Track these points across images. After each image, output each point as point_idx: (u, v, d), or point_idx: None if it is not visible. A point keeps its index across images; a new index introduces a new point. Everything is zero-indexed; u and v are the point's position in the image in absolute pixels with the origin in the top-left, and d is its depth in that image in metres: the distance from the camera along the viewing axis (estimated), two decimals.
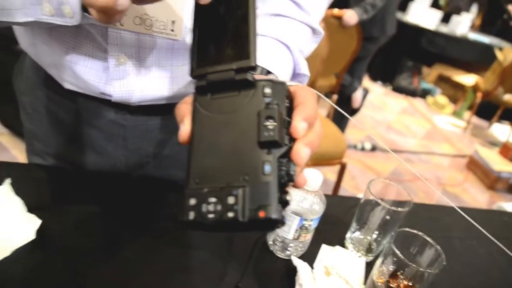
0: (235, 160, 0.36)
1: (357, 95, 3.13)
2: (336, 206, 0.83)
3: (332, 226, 0.79)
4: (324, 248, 0.70)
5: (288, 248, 0.69)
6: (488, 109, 4.74)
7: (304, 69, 0.59)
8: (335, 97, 2.91)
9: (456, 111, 4.98)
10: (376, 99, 4.76)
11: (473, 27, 5.63)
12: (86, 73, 0.60)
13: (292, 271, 0.65)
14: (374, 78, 5.31)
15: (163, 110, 0.68)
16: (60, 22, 0.45)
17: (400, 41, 4.38)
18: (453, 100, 5.16)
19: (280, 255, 0.70)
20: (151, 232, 0.67)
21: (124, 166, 0.74)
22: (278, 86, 0.38)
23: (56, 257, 0.59)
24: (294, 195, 0.62)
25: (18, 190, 0.62)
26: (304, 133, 0.37)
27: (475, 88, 4.61)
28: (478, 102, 4.48)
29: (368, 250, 0.75)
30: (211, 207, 0.34)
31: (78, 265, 0.58)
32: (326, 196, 0.70)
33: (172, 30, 0.56)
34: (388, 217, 0.71)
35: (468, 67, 5.27)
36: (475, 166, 3.57)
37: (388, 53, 4.80)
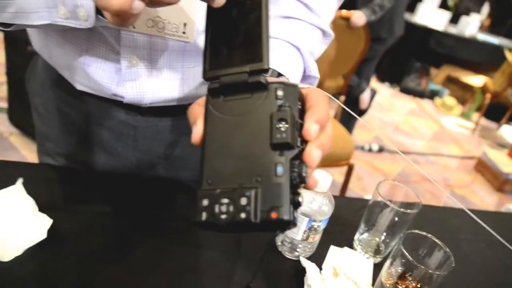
0: (247, 162, 0.36)
1: (365, 96, 3.12)
2: (344, 207, 0.84)
3: (341, 227, 0.79)
4: (333, 249, 0.70)
5: (297, 249, 0.70)
6: (497, 111, 4.70)
7: (314, 71, 0.59)
8: (342, 98, 2.91)
9: (465, 112, 4.95)
10: (384, 100, 4.74)
11: (482, 28, 5.59)
12: (98, 75, 0.61)
13: (300, 271, 0.66)
14: (381, 79, 5.30)
15: (174, 111, 0.69)
16: (74, 25, 0.46)
17: (408, 42, 4.37)
18: (462, 101, 5.13)
19: (289, 255, 0.70)
20: (161, 232, 0.68)
21: (135, 167, 0.75)
22: (291, 88, 0.38)
23: (67, 256, 0.59)
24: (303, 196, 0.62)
25: (30, 190, 0.62)
26: (316, 135, 0.37)
27: (483, 89, 4.58)
28: (487, 103, 4.45)
29: (376, 251, 0.75)
30: (223, 208, 0.35)
31: (89, 265, 0.59)
32: (335, 197, 0.70)
33: (184, 33, 0.57)
34: (396, 219, 0.71)
35: (476, 68, 5.24)
36: (484, 168, 3.54)
37: (396, 54, 4.79)
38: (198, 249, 0.67)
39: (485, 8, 5.59)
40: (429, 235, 0.64)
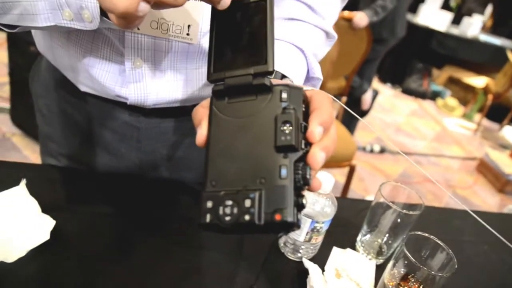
0: (251, 164, 0.36)
1: (367, 97, 3.12)
2: (347, 208, 0.84)
3: (343, 229, 0.79)
4: (335, 251, 0.70)
5: (299, 250, 0.70)
6: (499, 112, 4.69)
7: (318, 73, 0.60)
8: (344, 99, 2.91)
9: (466, 113, 4.94)
10: (386, 101, 4.74)
11: (484, 29, 5.58)
12: (102, 76, 0.61)
13: (303, 273, 0.66)
14: (383, 80, 5.29)
15: (177, 113, 0.69)
16: (79, 27, 0.46)
17: (410, 42, 4.37)
18: (464, 102, 5.13)
19: (291, 257, 0.70)
20: (164, 233, 0.68)
21: (138, 168, 0.75)
22: (295, 91, 0.38)
23: (70, 257, 0.59)
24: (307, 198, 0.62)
25: (33, 191, 0.63)
26: (320, 138, 0.37)
27: (485, 90, 4.57)
28: (489, 104, 4.44)
29: (379, 253, 0.75)
30: (227, 210, 0.35)
31: (92, 266, 0.59)
32: (337, 198, 0.70)
33: (188, 34, 0.57)
34: (399, 220, 0.71)
35: (478, 69, 5.23)
36: (486, 169, 3.54)
37: (398, 55, 4.79)
38: (201, 250, 0.67)
39: (488, 9, 5.59)
40: (431, 236, 0.64)
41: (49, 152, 0.81)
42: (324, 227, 0.68)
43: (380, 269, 0.69)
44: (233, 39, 0.42)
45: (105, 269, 0.59)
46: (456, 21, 5.22)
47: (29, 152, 2.22)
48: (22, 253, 0.55)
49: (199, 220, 0.36)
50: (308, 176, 0.36)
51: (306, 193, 0.37)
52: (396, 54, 4.37)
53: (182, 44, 0.59)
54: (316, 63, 0.60)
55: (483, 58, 5.07)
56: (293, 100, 0.38)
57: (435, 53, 4.96)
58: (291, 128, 0.36)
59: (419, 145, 3.89)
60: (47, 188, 0.70)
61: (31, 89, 0.79)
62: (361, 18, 2.54)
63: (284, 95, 0.38)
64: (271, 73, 0.38)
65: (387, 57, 3.48)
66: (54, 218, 0.60)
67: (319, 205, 0.68)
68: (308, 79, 0.60)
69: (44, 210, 0.61)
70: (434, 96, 5.20)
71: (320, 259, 0.68)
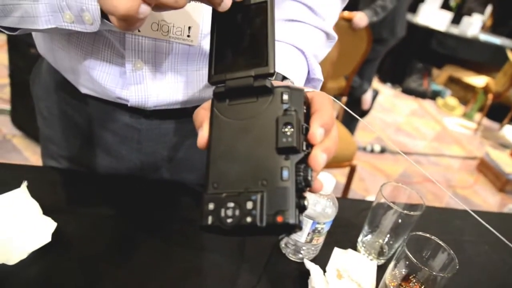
0: (253, 166, 0.36)
1: (367, 97, 3.12)
2: (348, 209, 0.84)
3: (344, 229, 0.79)
4: (336, 251, 0.70)
5: (301, 251, 0.70)
6: (499, 111, 4.69)
7: (318, 74, 0.60)
8: (344, 99, 2.91)
9: (467, 112, 4.94)
10: (386, 101, 4.74)
11: (484, 28, 5.58)
12: (103, 78, 0.61)
13: (304, 274, 0.66)
14: (383, 80, 5.29)
15: (178, 114, 0.69)
16: (79, 29, 0.46)
17: (410, 42, 4.37)
18: (464, 101, 5.12)
19: (292, 258, 0.70)
20: (165, 234, 0.68)
21: (139, 169, 0.75)
22: (296, 92, 0.38)
23: (71, 259, 0.59)
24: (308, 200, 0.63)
25: (34, 193, 0.63)
26: (321, 139, 0.37)
27: (486, 90, 4.57)
28: (489, 103, 4.44)
29: (380, 253, 0.75)
30: (229, 212, 0.35)
31: (93, 268, 0.59)
32: (338, 199, 0.70)
33: (188, 36, 0.57)
34: (400, 221, 0.71)
35: (478, 69, 5.23)
36: (486, 168, 3.54)
37: (398, 55, 4.79)
38: (202, 251, 0.67)
39: (488, 9, 5.59)
40: (432, 237, 0.64)
41: (50, 154, 0.81)
42: (325, 228, 0.68)
43: (381, 269, 0.69)
44: (234, 41, 0.42)
45: (106, 270, 0.59)
46: (456, 20, 5.22)
47: (29, 154, 2.22)
48: (23, 255, 0.55)
49: (201, 222, 0.36)
50: (309, 178, 0.36)
51: (307, 194, 0.37)
52: (396, 54, 4.37)
53: (183, 46, 0.59)
54: (316, 64, 0.60)
55: (483, 58, 5.06)
56: (294, 102, 0.38)
57: (435, 52, 4.96)
58: (292, 129, 0.36)
59: (420, 144, 3.89)
60: (48, 190, 0.70)
61: (32, 91, 0.79)
62: (361, 18, 2.54)
63: (285, 97, 0.38)
64: (272, 75, 0.38)
65: (387, 57, 3.49)
66: (55, 220, 0.60)
67: (320, 206, 0.68)
68: (309, 80, 0.60)
69: (45, 212, 0.61)
70: (434, 95, 5.20)
71: (322, 259, 0.69)
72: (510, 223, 1.02)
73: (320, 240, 0.70)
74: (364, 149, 3.38)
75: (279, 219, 0.34)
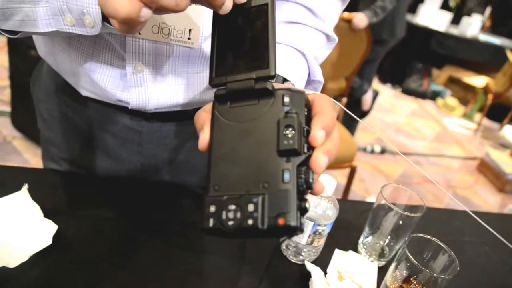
0: (254, 168, 0.36)
1: (367, 97, 3.12)
2: (348, 210, 0.84)
3: (345, 231, 0.79)
4: (337, 253, 0.70)
5: (302, 253, 0.70)
6: (499, 111, 4.69)
7: (319, 76, 0.60)
8: (344, 100, 2.91)
9: (467, 113, 4.94)
10: (386, 102, 4.74)
11: (483, 28, 5.58)
12: (103, 81, 0.61)
13: (305, 275, 0.66)
14: (383, 80, 5.29)
15: (179, 116, 0.69)
16: (80, 32, 0.46)
17: (409, 43, 4.37)
18: (464, 102, 5.13)
19: (293, 259, 0.70)
20: (166, 237, 0.68)
21: (139, 171, 0.75)
22: (297, 95, 0.38)
23: (72, 262, 0.59)
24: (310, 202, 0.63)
25: (35, 195, 0.63)
26: (322, 142, 0.38)
27: (485, 90, 4.57)
28: (489, 104, 4.44)
29: (381, 255, 0.75)
30: (230, 215, 0.35)
31: (94, 270, 0.59)
32: (338, 200, 0.70)
33: (189, 38, 0.57)
34: (400, 222, 0.71)
35: (478, 69, 5.23)
36: (486, 169, 3.54)
37: (398, 55, 4.79)
38: (203, 253, 0.67)
39: (488, 10, 5.59)
40: (433, 238, 0.64)
41: (50, 156, 0.81)
42: (326, 229, 0.68)
43: (382, 271, 0.69)
44: (235, 44, 0.42)
45: (107, 272, 0.59)
46: (456, 21, 5.22)
47: (30, 156, 2.22)
48: (24, 258, 0.55)
49: (202, 224, 0.36)
50: (311, 180, 0.36)
51: (308, 196, 0.37)
52: (396, 54, 4.37)
53: (183, 48, 0.59)
54: (317, 66, 0.60)
55: (482, 58, 5.06)
56: (295, 104, 0.38)
57: (435, 53, 4.96)
58: (293, 132, 0.36)
59: (420, 145, 3.89)
60: (48, 192, 0.70)
61: (32, 94, 0.79)
62: (360, 19, 2.54)
63: (287, 99, 0.38)
64: (273, 77, 0.38)
65: (387, 57, 3.49)
66: (56, 223, 0.60)
67: (321, 208, 0.68)
68: (309, 82, 0.60)
69: (46, 215, 0.61)
70: (434, 96, 5.20)
71: (322, 261, 0.69)
72: (510, 224, 1.02)
73: (321, 242, 0.70)
74: (364, 149, 3.38)
75: (281, 221, 0.34)
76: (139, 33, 0.55)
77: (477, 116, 4.79)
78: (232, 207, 0.35)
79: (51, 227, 0.60)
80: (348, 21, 2.53)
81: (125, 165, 0.74)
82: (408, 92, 5.15)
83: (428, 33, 4.86)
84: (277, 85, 0.41)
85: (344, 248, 0.72)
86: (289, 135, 0.36)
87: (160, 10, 0.37)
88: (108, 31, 0.47)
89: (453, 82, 5.34)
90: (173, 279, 0.61)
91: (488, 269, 0.83)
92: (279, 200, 0.34)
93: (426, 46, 4.90)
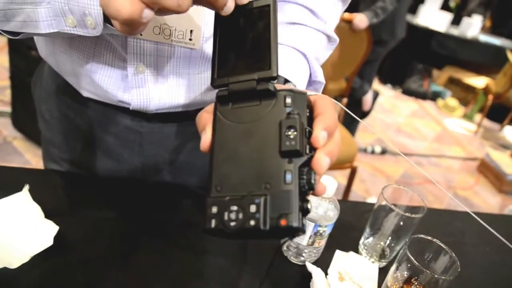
0: (256, 169, 0.36)
1: (368, 98, 3.12)
2: (349, 211, 0.84)
3: (346, 232, 0.79)
4: (338, 254, 0.70)
5: (303, 254, 0.70)
6: (499, 112, 4.69)
7: (320, 76, 0.60)
8: (344, 100, 2.91)
9: (467, 113, 4.94)
10: (386, 102, 4.74)
11: (484, 29, 5.58)
12: (105, 82, 0.61)
13: (306, 276, 0.66)
14: (384, 81, 5.29)
15: (180, 117, 0.69)
16: (82, 33, 0.46)
17: (410, 43, 4.36)
18: (464, 102, 5.12)
19: (294, 260, 0.70)
20: (167, 237, 0.68)
21: (140, 172, 0.75)
22: (299, 96, 0.38)
23: (73, 263, 0.59)
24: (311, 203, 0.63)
25: (36, 196, 0.63)
26: (324, 143, 0.38)
27: (486, 91, 4.57)
28: (489, 104, 4.44)
29: (382, 255, 0.75)
30: (232, 215, 0.35)
31: (95, 271, 0.59)
32: (339, 201, 0.70)
33: (190, 39, 0.57)
34: (401, 223, 0.71)
35: (479, 69, 5.23)
36: (486, 169, 3.54)
37: (398, 56, 4.78)
38: (204, 254, 0.67)
39: (489, 10, 5.59)
40: (434, 239, 0.64)
41: (51, 157, 0.81)
42: (327, 230, 0.68)
43: (383, 272, 0.69)
44: (237, 45, 0.42)
45: (108, 273, 0.59)
46: (456, 21, 5.22)
47: (30, 156, 2.22)
48: (25, 258, 0.55)
49: (204, 225, 0.36)
50: (312, 181, 0.36)
51: (309, 196, 0.37)
52: (396, 55, 4.37)
53: (185, 49, 0.59)
54: (318, 67, 0.60)
55: (483, 59, 5.06)
56: (297, 105, 0.38)
57: (435, 53, 4.96)
58: (295, 133, 0.36)
59: (420, 145, 3.89)
60: (50, 193, 0.70)
61: (34, 94, 0.79)
62: (361, 19, 2.54)
63: (289, 100, 0.38)
64: (275, 78, 0.39)
65: (387, 58, 3.48)
66: (57, 224, 0.60)
67: (322, 209, 0.68)
68: (310, 83, 0.60)
69: (47, 216, 0.61)
70: (434, 96, 5.20)
71: (323, 262, 0.69)
72: (511, 225, 1.02)
73: (322, 243, 0.70)
74: (365, 150, 3.38)
75: (283, 222, 0.34)
76: (141, 34, 0.55)
77: (478, 117, 4.79)
78: (234, 208, 0.35)
79: (52, 228, 0.60)
80: (349, 22, 2.53)
81: (126, 165, 0.74)
82: (408, 92, 5.15)
83: (428, 34, 4.86)
84: (279, 86, 0.41)
85: (345, 249, 0.72)
86: (291, 136, 0.36)
87: (162, 11, 0.37)
88: (110, 32, 0.48)
89: (453, 82, 5.34)
90: (173, 280, 0.61)
91: (489, 270, 0.83)
92: (281, 201, 0.34)
93: (427, 46, 4.90)
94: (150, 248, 0.65)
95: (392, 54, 3.57)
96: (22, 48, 1.97)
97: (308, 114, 0.39)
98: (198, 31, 0.57)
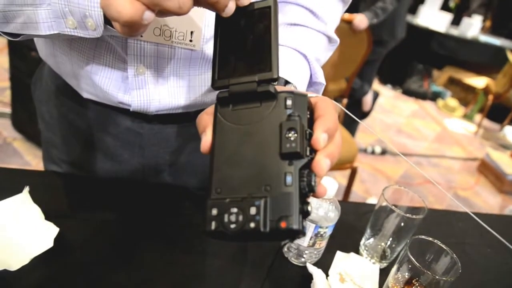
0: (256, 171, 0.36)
1: (368, 98, 3.12)
2: (350, 212, 0.84)
3: (347, 233, 0.79)
4: (339, 255, 0.70)
5: (303, 255, 0.70)
6: (499, 112, 4.69)
7: (321, 77, 0.59)
8: (345, 101, 2.91)
9: (467, 114, 4.94)
10: (386, 103, 4.74)
11: (484, 29, 5.58)
12: (105, 83, 0.61)
13: (307, 278, 0.66)
14: (384, 81, 5.29)
15: (180, 118, 0.69)
16: (82, 35, 0.46)
17: (410, 44, 4.36)
18: (464, 103, 5.12)
19: (295, 262, 0.70)
20: (167, 239, 0.68)
21: (141, 173, 0.75)
22: (300, 98, 0.38)
23: (73, 265, 0.59)
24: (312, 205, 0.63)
25: (36, 197, 0.63)
26: (325, 145, 0.37)
27: (486, 91, 4.57)
28: (489, 104, 4.44)
29: (382, 256, 0.75)
30: (233, 218, 0.35)
31: (95, 273, 0.59)
32: (340, 202, 0.70)
33: (191, 41, 0.57)
34: (402, 224, 0.71)
35: (479, 70, 5.23)
36: (487, 170, 3.54)
37: (398, 56, 4.78)
38: (205, 256, 0.67)
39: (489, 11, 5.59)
40: (435, 240, 0.64)
41: (51, 158, 0.81)
42: (327, 232, 0.67)
43: (384, 273, 0.69)
44: (238, 46, 0.41)
45: (108, 275, 0.59)
46: (456, 22, 5.22)
47: (30, 157, 2.22)
48: (25, 260, 0.55)
49: (204, 227, 0.36)
50: (313, 183, 0.36)
51: (310, 199, 0.37)
52: (396, 55, 4.36)
53: (185, 50, 0.59)
54: (318, 68, 0.60)
55: (483, 59, 5.06)
56: (298, 107, 0.38)
57: (435, 54, 4.96)
58: (296, 135, 0.36)
59: (420, 146, 3.89)
60: (50, 195, 0.70)
61: (34, 96, 0.79)
62: (361, 20, 2.54)
63: (289, 102, 0.38)
64: (275, 80, 0.38)
65: (387, 58, 3.48)
66: (57, 225, 0.60)
67: (323, 210, 0.68)
68: (311, 84, 0.60)
69: (48, 217, 0.61)
70: (434, 97, 5.20)
71: (324, 263, 0.68)
72: (511, 225, 1.02)
73: (322, 244, 0.70)
74: (365, 150, 3.38)
75: (283, 224, 0.34)
76: (141, 36, 0.55)
77: (478, 117, 4.79)
78: (234, 210, 0.35)
79: (52, 230, 0.60)
80: (349, 22, 2.53)
81: (126, 167, 0.74)
82: (408, 93, 5.15)
83: (428, 34, 4.86)
84: (280, 88, 0.41)
85: (346, 250, 0.72)
86: (292, 138, 0.36)
87: (163, 13, 0.37)
88: (110, 34, 0.47)
89: (453, 83, 5.34)
90: (174, 282, 0.61)
91: (490, 271, 0.83)
92: (282, 203, 0.34)
93: (427, 47, 4.91)
94: (150, 250, 0.65)
95: (392, 55, 3.57)
96: (22, 49, 1.97)
97: (308, 116, 0.39)
98: (199, 32, 0.57)
